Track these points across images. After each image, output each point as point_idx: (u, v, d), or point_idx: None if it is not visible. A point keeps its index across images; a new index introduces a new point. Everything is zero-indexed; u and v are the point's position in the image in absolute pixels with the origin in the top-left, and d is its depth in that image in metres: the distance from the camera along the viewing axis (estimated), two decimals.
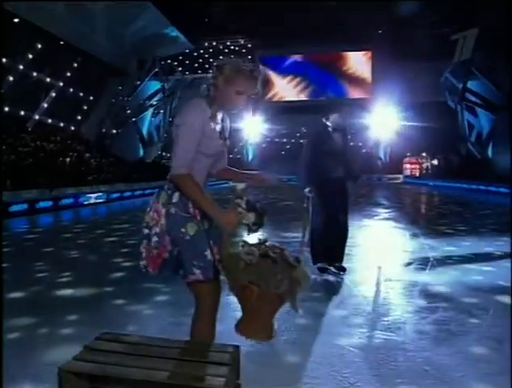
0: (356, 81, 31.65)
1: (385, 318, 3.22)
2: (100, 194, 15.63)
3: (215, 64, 1.88)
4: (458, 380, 2.30)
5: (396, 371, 2.41)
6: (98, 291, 3.98)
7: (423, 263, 4.94)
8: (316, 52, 31.36)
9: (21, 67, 19.29)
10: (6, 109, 18.80)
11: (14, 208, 11.11)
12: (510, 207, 8.82)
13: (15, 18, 17.92)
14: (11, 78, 18.88)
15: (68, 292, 4.12)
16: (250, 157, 36.03)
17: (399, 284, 4.18)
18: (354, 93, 31.72)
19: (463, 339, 2.84)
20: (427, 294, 3.79)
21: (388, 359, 2.55)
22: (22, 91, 19.06)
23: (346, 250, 5.72)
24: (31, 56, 19.78)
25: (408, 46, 26.22)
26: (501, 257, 5.36)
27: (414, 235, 7.04)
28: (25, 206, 11.57)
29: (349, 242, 6.28)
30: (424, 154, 32.20)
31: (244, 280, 1.63)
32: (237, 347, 1.72)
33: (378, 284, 4.18)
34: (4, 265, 5.40)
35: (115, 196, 16.57)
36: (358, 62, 31.59)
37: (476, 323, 3.12)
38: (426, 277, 4.36)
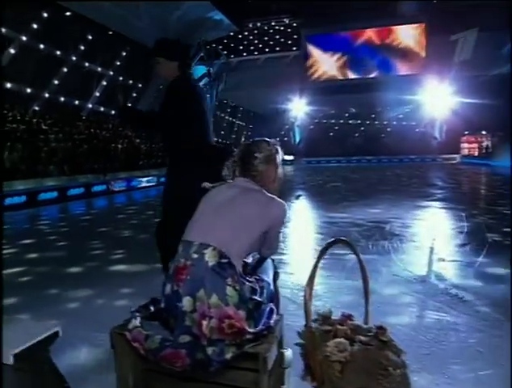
0: (408, 56, 30.03)
1: (437, 298, 3.09)
2: (151, 178, 16.17)
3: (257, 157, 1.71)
4: None
5: (448, 351, 2.31)
6: (148, 267, 4.11)
7: (480, 244, 4.67)
8: (364, 28, 30.11)
9: (74, 58, 20.10)
10: (62, 99, 19.76)
11: (72, 192, 11.77)
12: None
13: (67, 11, 18.64)
14: (65, 70, 19.75)
15: (121, 267, 4.32)
16: (297, 139, 35.63)
17: (453, 264, 3.98)
18: (407, 69, 30.13)
19: None
20: (483, 275, 3.59)
21: (439, 339, 2.46)
22: (75, 82, 19.91)
23: (397, 231, 5.58)
24: (82, 47, 20.55)
25: (463, 16, 24.54)
26: None
27: (470, 216, 6.67)
28: (81, 190, 12.20)
29: (399, 223, 6.15)
30: (483, 132, 30.03)
31: None
32: (280, 315, 1.72)
33: (430, 264, 4.01)
34: (63, 243, 5.77)
35: (164, 179, 17.08)
36: (410, 36, 29.91)
37: None
38: (483, 258, 4.12)
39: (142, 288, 3.49)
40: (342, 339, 1.48)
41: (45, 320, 2.90)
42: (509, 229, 5.48)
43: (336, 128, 40.26)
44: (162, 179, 16.80)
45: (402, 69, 30.28)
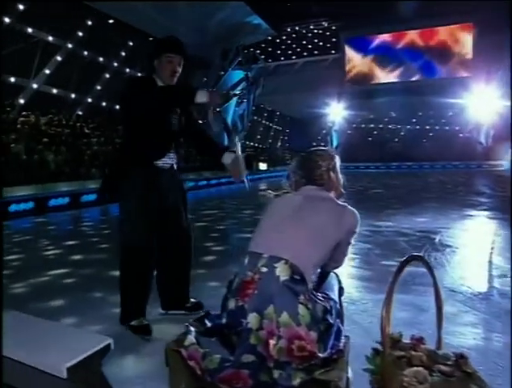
0: (453, 58, 28.80)
1: (503, 319, 2.82)
2: (189, 182, 16.34)
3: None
4: None
5: None
6: (192, 273, 4.03)
7: None
8: (406, 30, 29.20)
9: (115, 64, 20.69)
10: (104, 104, 20.36)
11: None
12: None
13: (110, 19, 19.22)
14: (107, 76, 20.34)
15: None
16: (335, 144, 35.13)
17: None
18: (452, 71, 28.85)
19: None
20: None
21: None
22: (116, 87, 20.45)
23: (449, 241, 5.26)
24: (124, 53, 21.11)
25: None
26: None
27: None
28: None
29: (449, 233, 5.82)
30: None
31: None
32: (346, 337, 1.58)
33: (490, 280, 3.72)
34: (105, 246, 5.83)
35: (202, 183, 17.20)
36: (455, 37, 28.74)
37: None
38: None
39: None
40: (420, 369, 1.33)
41: (90, 324, 2.89)
42: None
43: (375, 132, 39.45)
44: (200, 183, 16.97)
45: (447, 71, 29.12)
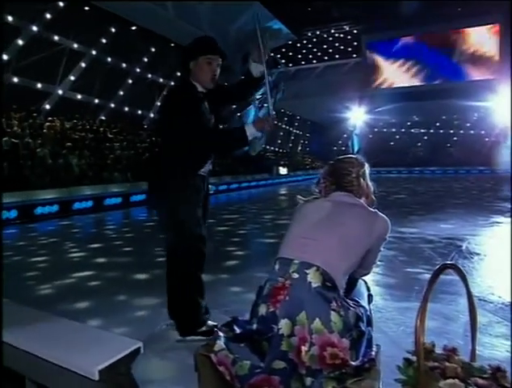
0: (479, 60, 28.10)
1: None
2: (209, 186, 16.43)
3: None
4: None
5: None
6: (214, 278, 4.05)
7: None
8: (430, 32, 28.67)
9: (137, 70, 21.02)
10: (126, 109, 20.70)
11: (135, 198, 12.17)
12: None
13: (133, 26, 19.56)
14: (130, 81, 20.69)
15: None
16: (356, 148, 34.77)
17: None
18: (478, 74, 28.08)
19: None
20: None
21: None
22: (138, 92, 20.75)
23: (476, 249, 5.13)
24: (146, 59, 21.43)
25: None
26: None
27: None
28: (144, 196, 12.57)
29: (476, 240, 5.68)
30: None
31: None
32: (377, 345, 1.55)
33: None
34: (129, 249, 5.90)
35: (222, 188, 17.28)
36: (481, 38, 28.01)
37: None
38: None
39: (208, 299, 3.43)
40: (456, 381, 1.28)
41: (115, 327, 2.91)
42: None
43: (397, 137, 38.91)
44: (220, 188, 17.04)
45: (473, 74, 28.42)
